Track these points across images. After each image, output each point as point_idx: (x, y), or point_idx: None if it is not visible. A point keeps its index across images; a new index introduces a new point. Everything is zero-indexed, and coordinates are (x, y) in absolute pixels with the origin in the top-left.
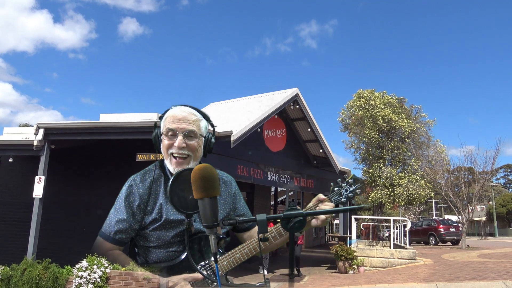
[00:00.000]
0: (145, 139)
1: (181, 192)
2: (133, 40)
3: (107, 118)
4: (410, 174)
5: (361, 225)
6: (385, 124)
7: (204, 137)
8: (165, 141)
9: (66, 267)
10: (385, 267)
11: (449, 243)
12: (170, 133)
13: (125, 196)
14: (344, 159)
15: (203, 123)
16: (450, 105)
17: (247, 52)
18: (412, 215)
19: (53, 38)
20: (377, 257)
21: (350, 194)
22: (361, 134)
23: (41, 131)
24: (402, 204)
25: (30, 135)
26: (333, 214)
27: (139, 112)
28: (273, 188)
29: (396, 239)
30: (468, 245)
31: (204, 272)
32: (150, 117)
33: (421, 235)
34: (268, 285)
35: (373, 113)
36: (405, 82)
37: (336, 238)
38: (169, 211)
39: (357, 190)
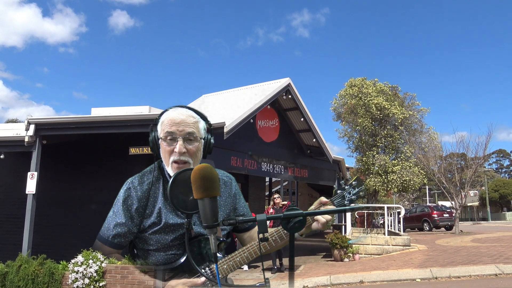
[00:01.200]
0: (137, 132)
1: (181, 192)
2: (124, 33)
3: (99, 112)
4: (403, 161)
5: (356, 213)
6: (378, 112)
7: (203, 139)
8: (165, 147)
9: (61, 262)
10: (380, 254)
11: (442, 229)
12: (169, 138)
13: (123, 200)
14: (338, 148)
15: (202, 124)
16: (443, 91)
17: (239, 43)
18: (406, 202)
19: (42, 32)
20: (372, 245)
21: (353, 197)
22: (354, 123)
23: (32, 127)
24: (396, 191)
25: (21, 131)
26: (334, 217)
27: (131, 106)
28: (267, 179)
29: (391, 226)
30: (461, 230)
31: (203, 271)
32: (141, 110)
33: (415, 222)
34: (268, 285)
35: (366, 101)
36: (400, 70)
37: (331, 227)
38: (168, 215)
39: (361, 193)
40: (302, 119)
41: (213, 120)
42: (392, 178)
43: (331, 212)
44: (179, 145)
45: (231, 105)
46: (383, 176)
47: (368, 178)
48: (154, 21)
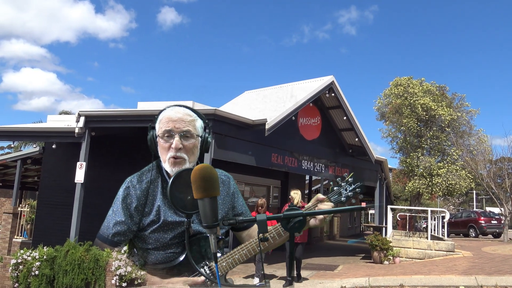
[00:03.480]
0: None
1: (181, 192)
2: (171, 29)
3: (145, 106)
4: (449, 164)
5: (398, 215)
6: (424, 113)
7: (201, 137)
8: (162, 144)
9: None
10: (422, 259)
11: (490, 236)
12: (166, 135)
13: (122, 198)
14: (381, 148)
15: (199, 122)
16: (495, 91)
17: (284, 40)
18: (451, 206)
19: (94, 28)
20: (413, 248)
21: (350, 194)
22: (399, 123)
23: (82, 119)
24: (441, 195)
25: (72, 123)
26: (332, 214)
27: (175, 100)
28: (307, 177)
29: (434, 230)
30: (510, 238)
31: (203, 271)
32: (186, 105)
33: (460, 227)
34: (268, 285)
35: (411, 101)
36: (449, 69)
37: (371, 228)
38: (167, 213)
39: (357, 189)
40: (344, 117)
41: (254, 117)
42: (437, 181)
43: (330, 212)
44: (175, 141)
45: (273, 102)
46: (428, 179)
47: (412, 180)
48: (201, 18)
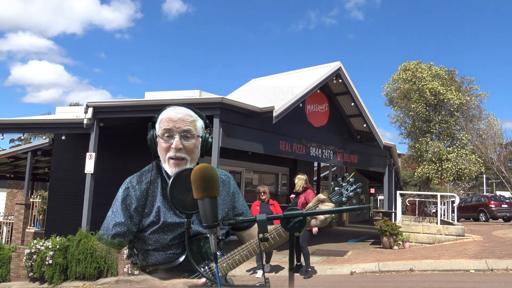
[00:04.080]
0: None
1: (181, 192)
2: (177, 18)
3: (152, 96)
4: (459, 149)
5: (407, 200)
6: (433, 97)
7: (201, 137)
8: (162, 144)
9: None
10: (432, 243)
11: (500, 220)
12: (166, 135)
13: (121, 199)
14: (390, 134)
15: (199, 123)
16: (505, 74)
17: (291, 27)
18: (461, 191)
19: (100, 19)
20: (423, 233)
21: (351, 194)
22: (407, 108)
23: (90, 110)
24: (451, 180)
25: (80, 114)
26: (333, 214)
27: (182, 90)
28: (316, 164)
29: (444, 215)
30: None
31: (203, 270)
32: (192, 94)
33: (470, 212)
34: (268, 285)
35: (420, 86)
36: (458, 53)
37: (381, 214)
38: (167, 213)
39: (358, 189)
40: (352, 103)
41: (262, 104)
42: (447, 166)
43: (330, 212)
44: (175, 141)
45: (280, 90)
46: (437, 164)
47: (421, 165)
48: (206, 6)
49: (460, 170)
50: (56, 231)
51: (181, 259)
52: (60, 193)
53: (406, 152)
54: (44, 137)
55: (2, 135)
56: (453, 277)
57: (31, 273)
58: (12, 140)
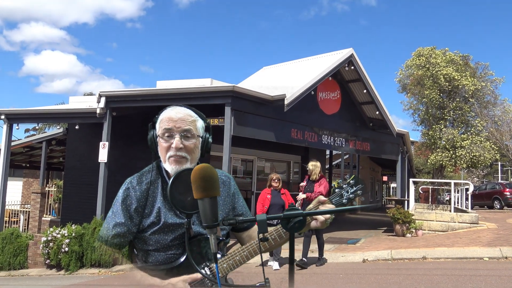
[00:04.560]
0: (200, 104)
1: (180, 193)
2: (188, 6)
3: (164, 85)
4: (473, 136)
5: (420, 188)
6: (447, 84)
7: (201, 137)
8: (162, 143)
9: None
10: (445, 231)
11: None
12: (167, 134)
13: (122, 200)
14: (403, 121)
15: (200, 123)
16: None
17: (302, 13)
18: (475, 178)
19: (111, 8)
20: (436, 221)
21: (351, 196)
22: (421, 95)
23: (102, 99)
24: (464, 167)
25: (93, 103)
26: (333, 215)
27: (193, 78)
28: (328, 151)
29: (457, 203)
30: None
31: (204, 271)
32: (204, 83)
33: (484, 199)
34: (268, 285)
35: (433, 72)
36: (473, 38)
37: (393, 202)
38: (167, 214)
39: (359, 191)
40: (365, 90)
41: (273, 92)
42: (461, 154)
43: (330, 212)
44: (176, 141)
45: (291, 77)
46: (451, 151)
47: (435, 152)
48: None
49: (475, 158)
50: (71, 219)
51: (182, 259)
52: (74, 182)
53: (419, 140)
54: (58, 127)
55: (17, 125)
56: (466, 264)
57: (48, 261)
58: (27, 130)
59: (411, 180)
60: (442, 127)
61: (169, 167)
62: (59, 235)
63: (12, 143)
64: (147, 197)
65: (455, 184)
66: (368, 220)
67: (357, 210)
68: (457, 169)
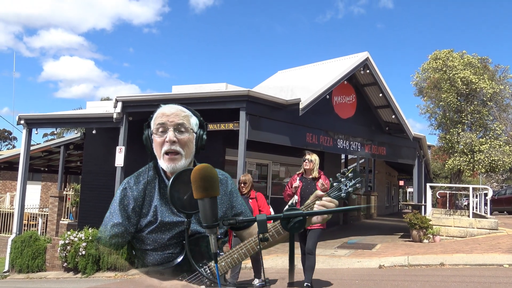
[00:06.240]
0: (215, 109)
1: (180, 193)
2: (204, 11)
3: (179, 89)
4: (492, 140)
5: (437, 193)
6: (465, 87)
7: (195, 133)
8: (156, 139)
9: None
10: (463, 237)
11: None
12: (160, 129)
13: (119, 200)
14: (420, 125)
15: (193, 119)
16: None
17: (318, 17)
18: (494, 183)
19: (128, 14)
20: (454, 227)
21: (350, 189)
22: (438, 98)
23: (119, 104)
24: (483, 172)
25: (110, 108)
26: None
27: (209, 83)
28: (343, 156)
29: (476, 208)
30: None
31: (202, 271)
32: (219, 87)
33: (504, 205)
34: (268, 285)
35: (451, 75)
36: (492, 40)
37: (410, 207)
38: (164, 213)
39: (357, 185)
40: (380, 94)
41: (288, 96)
42: (479, 158)
43: (331, 212)
44: (169, 134)
45: (306, 81)
46: (469, 156)
47: (452, 157)
48: None
49: (493, 162)
50: (88, 223)
51: (180, 258)
52: (92, 186)
53: (436, 144)
54: (76, 132)
55: (36, 129)
56: (485, 271)
57: (65, 264)
58: (45, 135)
59: (428, 185)
60: (460, 131)
61: (164, 164)
62: (76, 239)
63: (31, 148)
64: (144, 196)
65: (474, 189)
66: (385, 225)
67: (355, 210)
68: (476, 173)
